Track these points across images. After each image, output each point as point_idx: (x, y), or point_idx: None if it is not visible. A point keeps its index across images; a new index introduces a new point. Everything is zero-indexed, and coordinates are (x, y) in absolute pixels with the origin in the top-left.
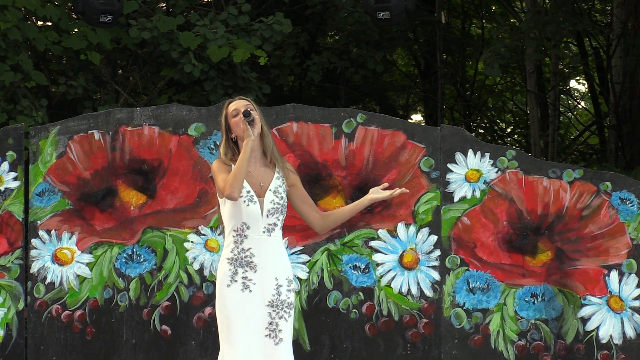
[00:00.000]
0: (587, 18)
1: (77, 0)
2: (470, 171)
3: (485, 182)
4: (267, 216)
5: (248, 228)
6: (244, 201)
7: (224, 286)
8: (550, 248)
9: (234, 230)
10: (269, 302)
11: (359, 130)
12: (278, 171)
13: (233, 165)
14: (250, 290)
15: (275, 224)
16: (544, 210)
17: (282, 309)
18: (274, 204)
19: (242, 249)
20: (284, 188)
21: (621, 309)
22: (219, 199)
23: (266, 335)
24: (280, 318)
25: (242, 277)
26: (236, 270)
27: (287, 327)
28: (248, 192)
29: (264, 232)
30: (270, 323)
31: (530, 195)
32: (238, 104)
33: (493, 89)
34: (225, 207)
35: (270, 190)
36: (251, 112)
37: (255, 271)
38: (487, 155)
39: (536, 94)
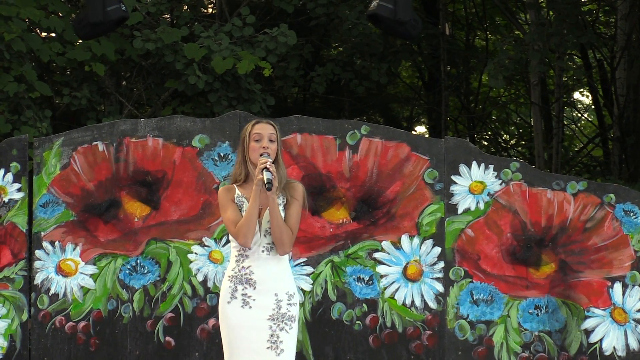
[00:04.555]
0: (591, 30)
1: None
2: (474, 183)
3: (489, 194)
4: (265, 236)
5: (249, 248)
6: None
7: (225, 303)
8: (553, 260)
9: (237, 251)
10: (270, 316)
11: (363, 142)
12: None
13: (237, 191)
14: (250, 307)
15: (274, 243)
16: (548, 222)
17: (282, 321)
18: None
19: (243, 267)
20: (282, 207)
21: (625, 321)
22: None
23: (268, 348)
24: (280, 330)
25: (242, 294)
26: (236, 287)
27: (287, 338)
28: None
29: (263, 251)
30: (272, 335)
31: (534, 207)
32: (263, 130)
33: (497, 100)
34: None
35: (269, 210)
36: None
37: (254, 288)
38: (491, 167)
39: (540, 106)
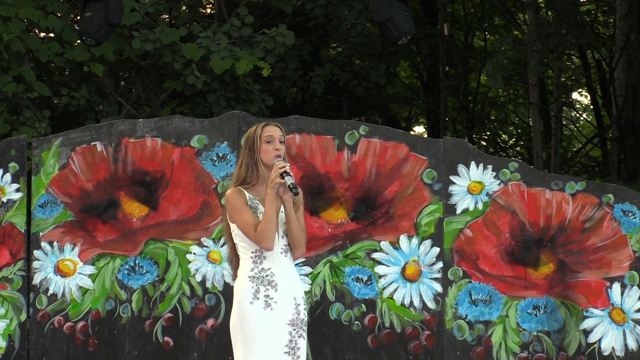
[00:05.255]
0: (589, 30)
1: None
2: (473, 183)
3: (487, 194)
4: (283, 237)
5: (267, 249)
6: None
7: (247, 303)
8: (552, 260)
9: (252, 253)
10: (290, 320)
11: (362, 142)
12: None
13: (247, 194)
14: (272, 309)
15: (289, 245)
16: (547, 223)
17: (300, 327)
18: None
19: (263, 269)
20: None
21: (623, 321)
22: (230, 222)
23: (285, 353)
24: (299, 337)
25: (265, 296)
26: (258, 288)
27: (303, 344)
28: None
29: (281, 252)
30: (290, 341)
31: (533, 207)
32: (274, 132)
33: (496, 101)
34: (240, 232)
35: (282, 212)
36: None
37: (276, 290)
38: (490, 167)
39: (539, 106)
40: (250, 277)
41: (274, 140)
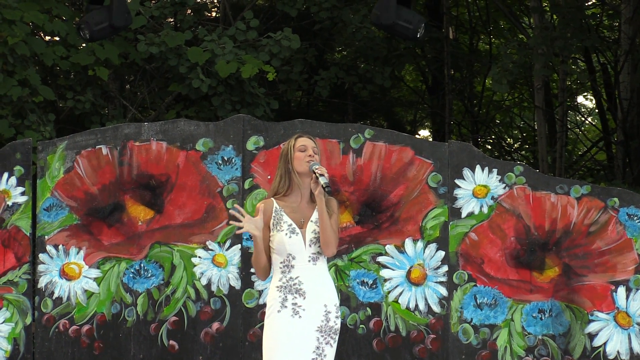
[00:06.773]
0: (595, 34)
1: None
2: (478, 187)
3: (492, 198)
4: (310, 245)
5: (294, 258)
6: (286, 234)
7: (275, 312)
8: (557, 264)
9: (281, 263)
10: (318, 327)
11: (367, 146)
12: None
13: (275, 204)
14: (300, 316)
15: (319, 253)
16: (552, 226)
17: (329, 334)
18: (315, 233)
19: (290, 277)
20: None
21: (628, 325)
22: None
23: (313, 359)
24: (326, 344)
25: (292, 304)
26: (286, 297)
27: (331, 352)
28: (290, 225)
29: (309, 261)
30: (317, 347)
31: (538, 211)
32: (307, 142)
33: (501, 104)
34: (273, 243)
35: (311, 221)
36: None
37: (304, 298)
38: (495, 171)
39: (544, 110)
40: (278, 287)
41: (307, 149)
